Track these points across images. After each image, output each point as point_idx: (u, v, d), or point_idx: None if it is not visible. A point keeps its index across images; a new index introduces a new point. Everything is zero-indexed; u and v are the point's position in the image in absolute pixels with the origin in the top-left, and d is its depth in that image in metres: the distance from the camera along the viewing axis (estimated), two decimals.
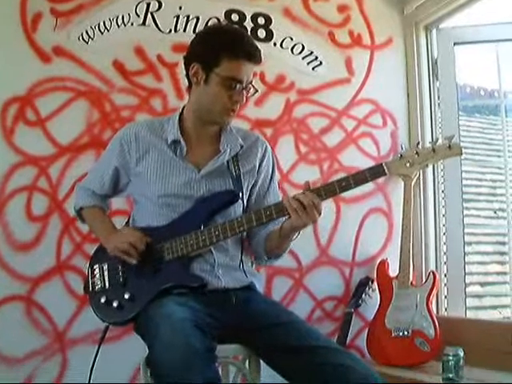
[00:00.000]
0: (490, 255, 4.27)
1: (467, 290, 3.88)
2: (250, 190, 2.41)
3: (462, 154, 2.12)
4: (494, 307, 4.13)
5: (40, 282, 3.29)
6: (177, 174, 2.30)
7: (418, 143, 2.22)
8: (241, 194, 2.32)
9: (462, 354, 3.14)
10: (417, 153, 2.12)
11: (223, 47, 2.21)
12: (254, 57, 2.24)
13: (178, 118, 2.37)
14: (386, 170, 2.11)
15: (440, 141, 2.13)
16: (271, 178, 2.48)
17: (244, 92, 2.27)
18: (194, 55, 2.29)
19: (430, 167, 3.91)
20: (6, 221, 3.27)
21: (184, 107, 2.40)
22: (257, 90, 2.35)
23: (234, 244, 2.34)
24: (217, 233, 2.21)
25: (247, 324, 2.18)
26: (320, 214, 2.11)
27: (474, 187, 4.33)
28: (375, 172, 2.13)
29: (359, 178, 2.13)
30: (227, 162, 2.36)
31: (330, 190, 2.13)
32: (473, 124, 4.54)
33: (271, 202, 2.35)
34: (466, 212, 3.97)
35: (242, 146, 2.40)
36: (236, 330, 2.18)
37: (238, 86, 2.23)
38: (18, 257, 3.27)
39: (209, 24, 3.62)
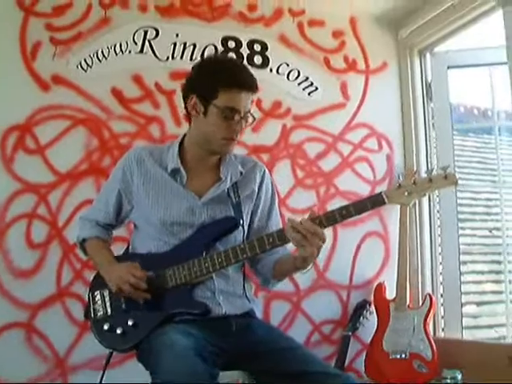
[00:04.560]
0: (485, 274, 4.28)
1: (463, 309, 3.90)
2: (251, 215, 2.42)
3: (457, 184, 2.13)
4: (491, 326, 4.14)
5: (40, 309, 3.30)
6: (178, 201, 2.31)
7: (416, 172, 2.24)
8: (241, 221, 2.34)
9: (459, 376, 3.17)
10: (414, 182, 2.13)
11: (220, 79, 2.23)
12: (251, 86, 2.27)
13: (177, 146, 2.39)
14: (386, 199, 2.13)
15: (435, 171, 2.15)
16: (271, 202, 2.49)
17: (243, 121, 2.29)
18: (192, 88, 2.32)
19: None
20: (6, 248, 3.29)
21: (185, 136, 2.42)
22: (255, 119, 2.36)
23: (235, 270, 2.35)
24: (220, 260, 2.22)
25: (247, 351, 2.19)
26: (324, 241, 2.10)
27: (468, 207, 4.34)
28: (375, 201, 2.15)
29: (360, 206, 2.15)
30: (227, 189, 2.37)
31: (331, 218, 2.14)
32: (467, 144, 4.56)
33: (273, 227, 2.38)
34: (461, 231, 3.99)
35: (241, 173, 2.42)
36: (236, 356, 2.19)
37: (236, 116, 2.25)
38: (18, 284, 3.28)
39: (206, 51, 3.69)
